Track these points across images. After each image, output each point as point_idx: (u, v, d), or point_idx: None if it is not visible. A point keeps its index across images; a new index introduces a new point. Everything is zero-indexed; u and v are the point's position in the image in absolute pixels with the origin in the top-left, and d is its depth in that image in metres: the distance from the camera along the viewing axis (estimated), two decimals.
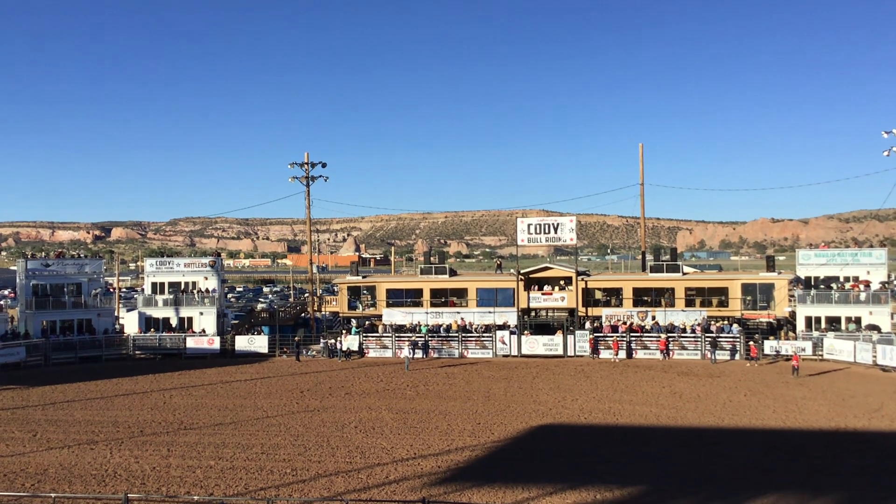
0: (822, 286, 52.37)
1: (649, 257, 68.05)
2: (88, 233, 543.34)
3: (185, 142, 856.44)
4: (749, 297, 54.53)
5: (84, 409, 36.23)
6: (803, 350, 48.22)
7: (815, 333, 50.38)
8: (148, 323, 57.88)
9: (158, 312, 58.20)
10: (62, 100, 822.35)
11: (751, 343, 48.96)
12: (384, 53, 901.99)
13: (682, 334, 51.76)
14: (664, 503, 21.57)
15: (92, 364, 52.09)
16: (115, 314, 61.37)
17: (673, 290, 55.76)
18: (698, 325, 52.06)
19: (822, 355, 48.52)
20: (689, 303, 55.47)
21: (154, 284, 59.90)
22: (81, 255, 66.13)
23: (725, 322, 53.04)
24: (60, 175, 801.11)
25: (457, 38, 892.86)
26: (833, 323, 51.12)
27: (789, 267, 71.39)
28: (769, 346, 49.60)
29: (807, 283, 53.16)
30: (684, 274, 57.96)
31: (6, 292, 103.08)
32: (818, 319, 51.40)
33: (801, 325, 51.67)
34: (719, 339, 50.44)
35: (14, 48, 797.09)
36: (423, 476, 24.43)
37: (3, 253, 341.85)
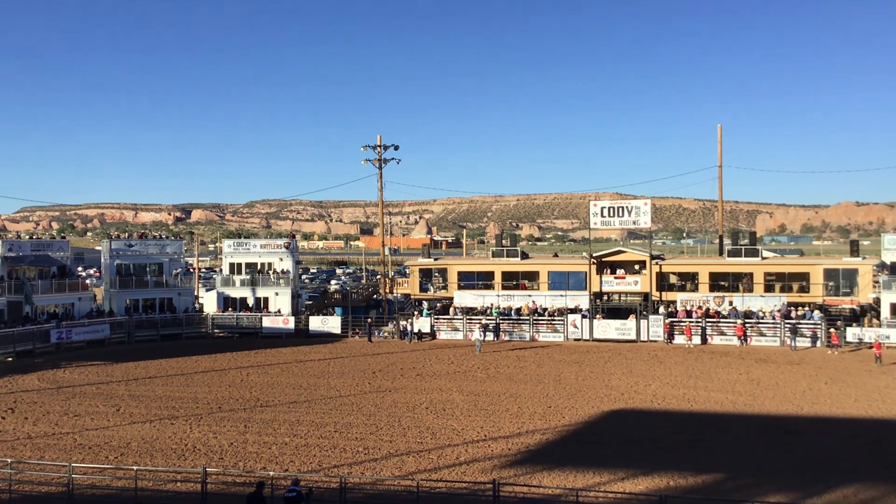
0: None
1: (727, 241, 66.48)
2: (170, 214, 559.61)
3: (261, 127, 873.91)
4: (831, 283, 52.79)
5: (165, 385, 37.41)
6: (887, 338, 46.50)
7: None
8: (226, 302, 59.33)
9: (236, 292, 59.57)
10: (149, 91, 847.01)
11: (832, 330, 47.45)
12: (455, 31, 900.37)
13: (761, 320, 50.48)
14: (740, 491, 21.11)
15: (172, 342, 53.73)
16: (195, 293, 63.03)
17: (751, 274, 54.31)
18: (778, 311, 50.66)
19: None
20: (769, 288, 53.97)
21: (232, 265, 61.36)
22: (163, 236, 67.90)
23: (806, 308, 51.47)
24: (144, 159, 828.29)
25: (524, 15, 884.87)
26: None
27: (874, 252, 68.91)
28: (852, 333, 47.99)
29: (892, 269, 51.18)
30: (763, 258, 56.39)
31: (92, 271, 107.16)
32: None
33: (885, 312, 49.77)
34: (799, 326, 49.00)
35: (100, 33, 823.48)
36: (493, 458, 24.48)
37: (89, 234, 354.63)
